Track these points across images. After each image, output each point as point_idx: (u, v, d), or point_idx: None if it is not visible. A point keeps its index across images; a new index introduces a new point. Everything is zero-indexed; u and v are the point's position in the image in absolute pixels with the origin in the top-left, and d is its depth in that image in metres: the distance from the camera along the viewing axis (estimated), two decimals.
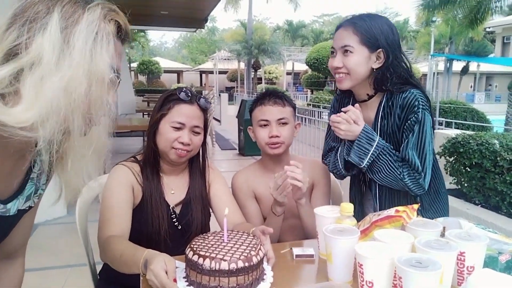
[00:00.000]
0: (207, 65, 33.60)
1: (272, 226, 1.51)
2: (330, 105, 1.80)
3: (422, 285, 0.85)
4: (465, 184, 3.02)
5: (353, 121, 1.40)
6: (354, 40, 1.40)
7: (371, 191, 1.59)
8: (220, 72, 28.27)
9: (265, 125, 1.59)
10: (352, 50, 1.41)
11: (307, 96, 21.82)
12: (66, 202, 0.94)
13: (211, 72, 29.94)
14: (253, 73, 24.67)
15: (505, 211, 2.75)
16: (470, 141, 2.89)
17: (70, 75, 0.71)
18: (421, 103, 1.38)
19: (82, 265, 2.86)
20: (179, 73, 33.41)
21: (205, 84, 33.24)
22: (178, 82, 31.80)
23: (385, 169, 1.41)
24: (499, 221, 2.64)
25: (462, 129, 6.63)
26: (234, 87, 30.23)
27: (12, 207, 0.88)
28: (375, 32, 1.40)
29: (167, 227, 1.41)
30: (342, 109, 1.45)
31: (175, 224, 1.45)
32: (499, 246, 1.16)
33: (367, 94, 1.49)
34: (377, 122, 1.48)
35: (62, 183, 0.91)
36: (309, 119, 6.50)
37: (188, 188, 1.51)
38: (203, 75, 35.54)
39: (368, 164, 1.42)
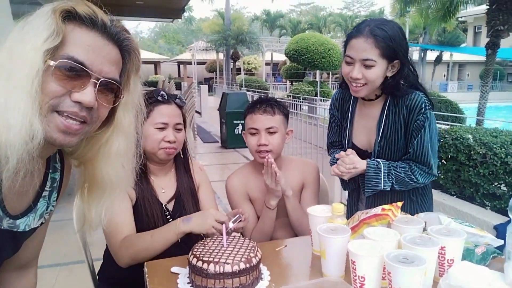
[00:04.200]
0: (185, 56, 33.05)
1: (266, 221, 1.62)
2: (325, 101, 1.94)
3: (409, 278, 0.94)
4: (442, 176, 3.17)
5: (352, 167, 1.55)
6: (376, 53, 1.41)
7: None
8: (199, 63, 27.90)
9: (254, 133, 1.63)
10: (374, 64, 1.42)
11: (286, 87, 21.91)
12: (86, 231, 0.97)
13: (189, 63, 29.47)
14: (232, 63, 24.49)
15: (478, 201, 2.91)
16: (446, 136, 3.02)
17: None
18: (427, 104, 1.48)
19: (71, 263, 2.87)
20: (156, 64, 32.72)
21: (183, 75, 32.76)
22: (156, 73, 31.19)
23: (399, 180, 1.54)
24: (473, 210, 2.80)
25: (437, 119, 6.84)
26: (213, 78, 29.94)
27: (22, 224, 0.87)
28: (394, 45, 1.41)
29: (162, 224, 1.47)
30: (336, 156, 1.61)
31: (169, 220, 1.50)
32: (475, 239, 1.27)
33: (376, 95, 1.57)
34: (382, 119, 1.56)
35: (86, 211, 0.95)
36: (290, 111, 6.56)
37: (176, 184, 1.57)
38: (181, 66, 35.00)
39: (389, 186, 1.56)
